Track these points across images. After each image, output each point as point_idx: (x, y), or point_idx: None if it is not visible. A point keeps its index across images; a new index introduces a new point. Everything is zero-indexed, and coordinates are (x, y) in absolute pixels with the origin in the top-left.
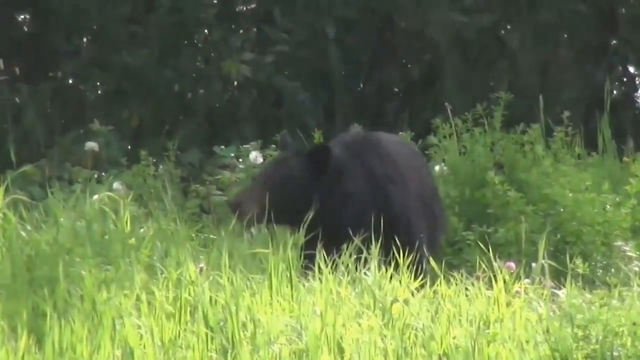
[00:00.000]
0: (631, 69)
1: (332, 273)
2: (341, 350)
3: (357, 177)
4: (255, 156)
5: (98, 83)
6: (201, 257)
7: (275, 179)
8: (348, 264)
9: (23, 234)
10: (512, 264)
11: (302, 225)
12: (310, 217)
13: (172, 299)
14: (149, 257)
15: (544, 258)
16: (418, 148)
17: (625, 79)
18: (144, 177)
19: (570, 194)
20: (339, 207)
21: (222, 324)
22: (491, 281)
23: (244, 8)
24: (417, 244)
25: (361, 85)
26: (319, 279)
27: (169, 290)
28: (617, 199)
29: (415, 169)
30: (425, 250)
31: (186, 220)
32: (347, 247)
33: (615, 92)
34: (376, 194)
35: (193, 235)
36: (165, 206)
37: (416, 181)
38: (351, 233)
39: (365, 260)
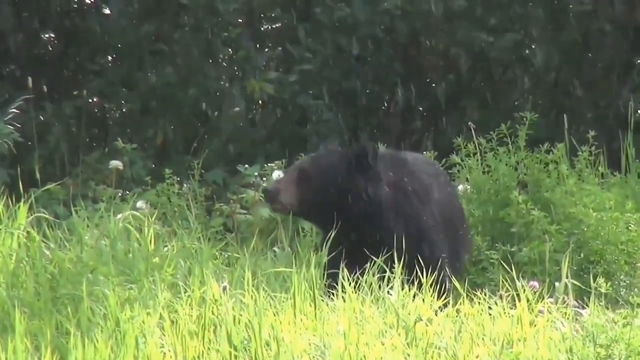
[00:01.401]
0: None
1: (356, 292)
2: None
3: (389, 188)
4: (278, 175)
5: (122, 101)
6: (225, 275)
7: (313, 170)
8: (371, 283)
9: (47, 252)
10: (536, 283)
11: (330, 226)
12: (334, 235)
13: (195, 318)
14: (173, 275)
15: (567, 277)
16: (442, 167)
17: None
18: (168, 195)
19: (594, 213)
20: (368, 212)
21: (245, 342)
22: (514, 300)
23: (269, 27)
24: (439, 264)
25: (385, 104)
26: (342, 297)
27: (193, 308)
28: None
29: (440, 189)
30: (447, 270)
31: (210, 239)
32: (370, 266)
33: (639, 111)
34: (403, 210)
35: (217, 253)
36: (189, 225)
37: (440, 201)
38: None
39: (389, 279)
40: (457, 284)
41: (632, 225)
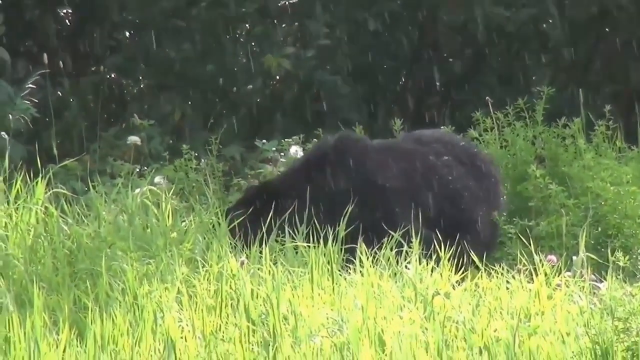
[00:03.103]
0: None
1: (373, 266)
2: (382, 343)
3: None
4: (296, 150)
5: (140, 77)
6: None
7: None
8: (389, 257)
9: (65, 227)
10: (553, 257)
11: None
12: (350, 211)
13: (213, 292)
14: (191, 250)
15: (585, 251)
16: None
17: None
18: (185, 171)
19: (612, 187)
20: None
21: (263, 317)
22: (532, 274)
23: (286, 2)
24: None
25: (403, 80)
26: (360, 272)
27: (210, 283)
28: None
29: (424, 168)
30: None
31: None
32: (388, 240)
33: None
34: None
35: None
36: (207, 200)
37: (415, 182)
38: None
39: (406, 253)
40: (476, 259)
41: None
